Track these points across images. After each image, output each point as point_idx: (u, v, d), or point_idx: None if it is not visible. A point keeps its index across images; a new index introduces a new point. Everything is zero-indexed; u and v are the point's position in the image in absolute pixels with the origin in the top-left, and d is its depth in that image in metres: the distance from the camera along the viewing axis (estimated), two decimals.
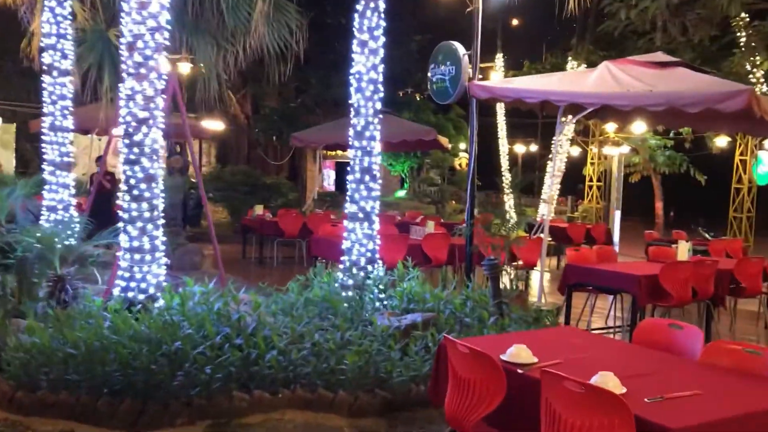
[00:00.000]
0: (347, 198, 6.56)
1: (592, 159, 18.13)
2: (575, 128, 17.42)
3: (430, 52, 8.42)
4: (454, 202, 19.80)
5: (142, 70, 5.69)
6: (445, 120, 20.07)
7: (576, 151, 19.00)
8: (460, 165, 25.34)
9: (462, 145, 20.95)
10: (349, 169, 6.59)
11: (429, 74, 8.45)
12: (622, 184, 17.89)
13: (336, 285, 6.36)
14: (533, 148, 25.00)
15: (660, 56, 7.52)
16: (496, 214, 7.14)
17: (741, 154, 14.70)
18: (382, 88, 6.55)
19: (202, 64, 8.53)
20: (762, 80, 10.77)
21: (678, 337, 3.88)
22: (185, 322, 4.75)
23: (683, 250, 8.18)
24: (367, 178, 6.49)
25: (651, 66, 7.30)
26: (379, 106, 6.55)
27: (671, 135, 17.23)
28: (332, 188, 28.58)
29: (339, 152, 25.86)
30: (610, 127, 17.64)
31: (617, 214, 17.59)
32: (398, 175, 23.23)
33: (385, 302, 6.02)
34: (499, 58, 18.32)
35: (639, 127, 8.56)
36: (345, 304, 5.59)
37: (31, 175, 22.74)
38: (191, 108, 23.14)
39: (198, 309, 5.02)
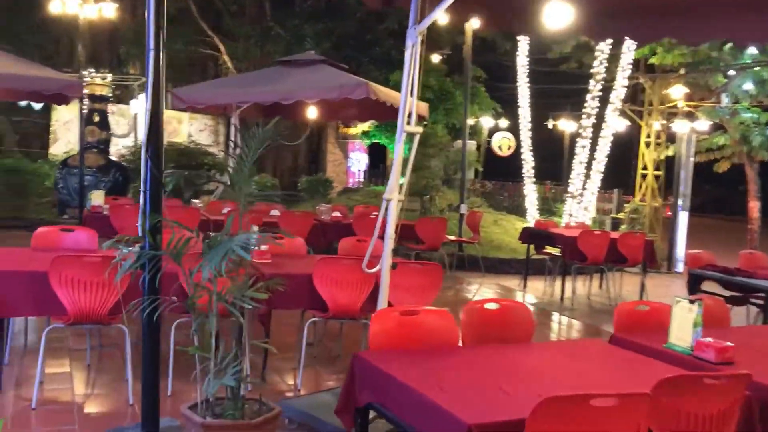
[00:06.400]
0: None
1: (647, 137, 12.77)
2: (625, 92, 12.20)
3: None
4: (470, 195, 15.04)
5: None
6: (454, 85, 15.17)
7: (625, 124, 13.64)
8: (500, 147, 20.27)
9: (486, 121, 16.07)
10: None
11: None
12: (691, 174, 12.50)
13: None
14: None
15: None
16: None
17: None
18: None
19: None
20: None
21: None
22: None
23: None
24: None
25: None
26: None
27: None
28: (359, 177, 24.04)
29: (366, 126, 21.11)
30: (678, 92, 12.28)
31: (683, 217, 12.25)
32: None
33: None
34: None
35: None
36: None
37: (3, 152, 20.04)
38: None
39: None
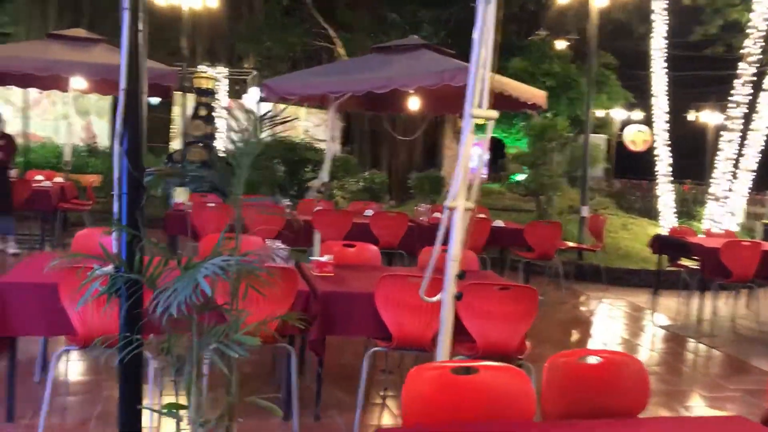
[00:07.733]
0: None
1: None
2: None
3: None
4: (597, 195, 13.58)
5: None
6: (580, 72, 13.67)
7: None
8: (633, 142, 18.46)
9: (616, 113, 14.43)
10: None
11: None
12: None
13: None
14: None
15: None
16: None
17: None
18: None
19: None
20: None
21: None
22: None
23: None
24: None
25: None
26: None
27: None
28: (479, 175, 22.89)
29: (481, 119, 19.94)
30: None
31: None
32: None
33: None
34: None
35: None
36: None
37: None
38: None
39: None
